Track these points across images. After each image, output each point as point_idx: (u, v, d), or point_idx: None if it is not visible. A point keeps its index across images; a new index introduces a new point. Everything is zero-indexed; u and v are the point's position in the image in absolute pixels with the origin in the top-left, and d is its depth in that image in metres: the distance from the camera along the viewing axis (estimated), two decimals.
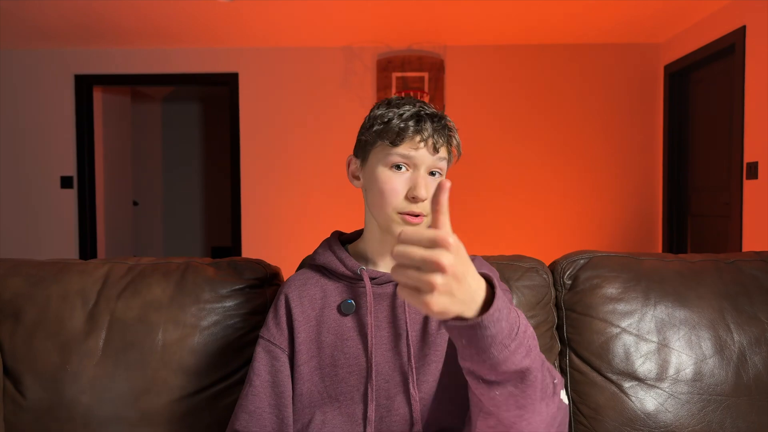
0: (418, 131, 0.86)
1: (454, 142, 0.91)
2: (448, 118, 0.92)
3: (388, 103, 0.91)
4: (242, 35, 3.86)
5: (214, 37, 3.90)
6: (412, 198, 0.85)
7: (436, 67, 4.01)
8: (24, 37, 3.85)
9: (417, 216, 0.86)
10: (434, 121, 0.87)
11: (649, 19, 3.52)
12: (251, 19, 3.51)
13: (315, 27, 3.67)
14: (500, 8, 3.31)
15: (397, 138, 0.86)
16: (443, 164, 0.89)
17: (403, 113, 0.87)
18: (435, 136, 0.86)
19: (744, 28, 3.03)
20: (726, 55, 3.30)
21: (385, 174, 0.87)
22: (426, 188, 0.86)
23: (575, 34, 3.83)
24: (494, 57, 4.08)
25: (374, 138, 0.90)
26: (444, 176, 0.90)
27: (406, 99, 0.92)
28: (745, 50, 3.02)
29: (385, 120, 0.88)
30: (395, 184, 0.86)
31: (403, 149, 0.86)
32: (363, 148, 0.93)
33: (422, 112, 0.88)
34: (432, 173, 0.88)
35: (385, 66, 4.00)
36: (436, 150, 0.87)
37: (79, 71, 4.16)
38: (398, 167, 0.87)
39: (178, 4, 3.22)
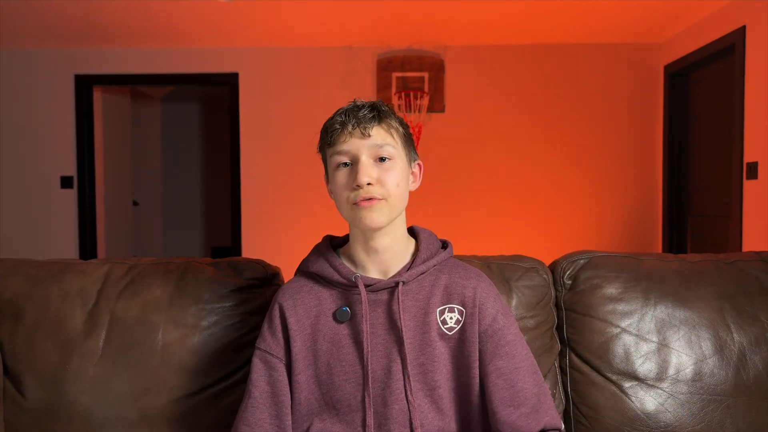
0: (342, 124, 0.88)
1: (392, 123, 0.91)
2: (382, 104, 0.92)
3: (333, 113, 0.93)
4: (242, 35, 3.86)
5: (214, 37, 3.90)
6: (355, 186, 0.86)
7: (436, 67, 4.00)
8: (24, 37, 3.85)
9: (368, 200, 0.86)
10: (360, 110, 0.89)
11: (649, 19, 3.52)
12: (251, 19, 3.51)
13: (315, 27, 3.67)
14: (500, 8, 3.31)
15: (329, 137, 0.90)
16: (388, 149, 0.89)
17: (335, 115, 0.91)
18: (361, 123, 0.88)
19: (744, 28, 3.03)
20: (726, 55, 3.30)
21: (335, 175, 0.90)
22: (367, 174, 0.86)
23: (575, 34, 3.83)
24: (494, 57, 4.08)
25: (322, 148, 0.94)
26: (395, 160, 0.89)
27: (350, 102, 0.93)
28: (745, 50, 3.02)
29: (323, 128, 0.93)
30: (341, 179, 0.89)
31: (338, 146, 0.89)
32: (324, 164, 0.96)
33: (350, 107, 0.90)
34: (381, 159, 0.88)
35: (385, 66, 4.00)
36: (366, 135, 0.87)
37: (79, 71, 4.16)
38: (345, 165, 0.89)
39: (178, 3, 3.22)
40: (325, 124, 0.92)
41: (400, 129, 0.93)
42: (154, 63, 4.15)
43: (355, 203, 0.87)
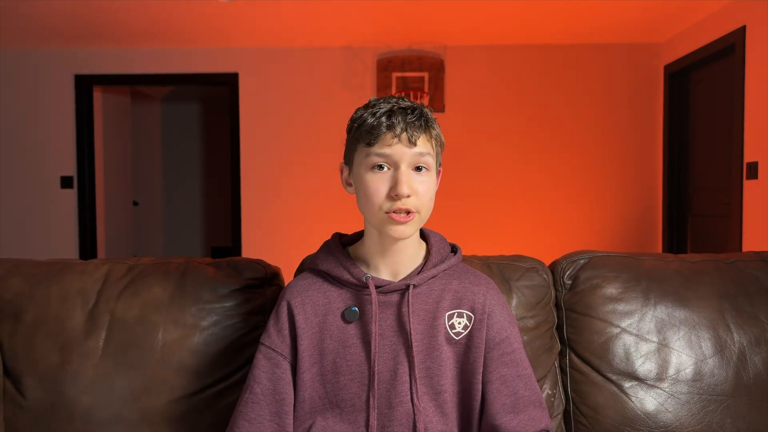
0: (390, 127, 0.84)
1: (434, 133, 0.89)
2: (427, 109, 0.89)
3: (367, 105, 0.89)
4: (242, 35, 3.86)
5: (214, 37, 3.90)
6: (394, 195, 0.84)
7: (436, 67, 4.01)
8: (24, 37, 3.85)
9: (406, 214, 0.85)
10: (408, 114, 0.85)
11: (649, 19, 3.52)
12: (251, 19, 3.51)
13: (315, 27, 3.67)
14: (500, 8, 3.31)
15: (371, 137, 0.85)
16: (427, 159, 0.87)
17: (377, 111, 0.86)
18: (409, 130, 0.84)
19: (744, 28, 3.03)
20: (726, 55, 3.30)
21: (367, 176, 0.86)
22: (408, 184, 0.84)
23: (575, 34, 3.83)
24: (494, 57, 4.08)
25: (354, 142, 0.89)
26: (431, 171, 0.88)
27: (386, 98, 0.89)
28: (745, 50, 3.02)
29: (361, 122, 0.87)
30: (377, 184, 0.85)
31: (379, 148, 0.85)
32: (348, 154, 0.92)
33: (395, 108, 0.86)
34: (418, 168, 0.86)
35: (385, 66, 4.00)
36: (412, 143, 0.85)
37: (79, 71, 4.16)
38: (380, 167, 0.86)
39: (178, 4, 3.22)
40: (364, 119, 0.87)
41: (441, 138, 0.91)
42: (154, 63, 4.15)
43: (388, 213, 0.85)
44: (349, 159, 0.92)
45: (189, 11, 3.35)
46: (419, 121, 0.86)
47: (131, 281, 1.12)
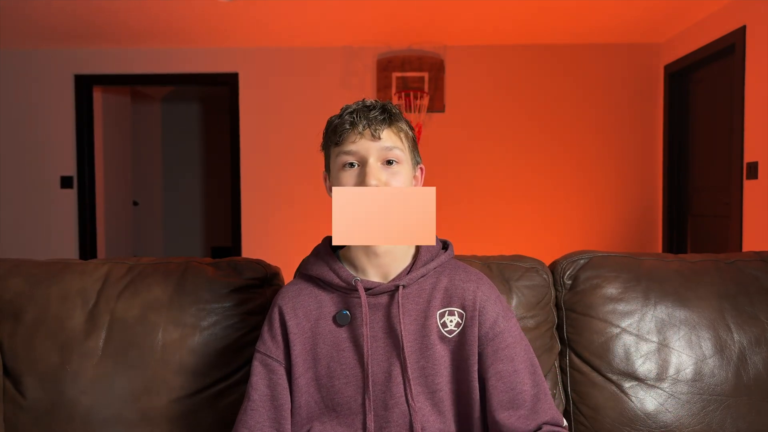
0: (352, 124, 0.87)
1: (400, 126, 0.91)
2: (391, 106, 0.92)
3: (340, 111, 0.92)
4: (242, 35, 3.86)
5: (214, 37, 3.90)
6: None
7: (436, 67, 4.00)
8: (24, 37, 3.85)
9: None
10: (370, 111, 0.88)
11: (649, 19, 3.52)
12: (251, 19, 3.51)
13: (315, 27, 3.67)
14: (500, 8, 3.31)
15: (337, 137, 0.88)
16: (396, 152, 0.88)
17: (342, 113, 0.90)
18: (372, 125, 0.87)
19: (744, 28, 3.03)
20: (726, 55, 3.30)
21: (340, 175, 0.89)
22: (376, 177, 0.85)
23: (575, 34, 3.83)
24: (494, 57, 4.08)
25: (327, 147, 0.93)
26: (403, 164, 0.89)
27: (356, 102, 0.92)
28: (745, 50, 3.02)
29: (329, 125, 0.92)
30: (347, 180, 0.88)
31: (346, 146, 0.88)
32: (326, 161, 0.95)
33: (359, 107, 0.89)
34: (389, 162, 0.88)
35: (385, 66, 4.00)
36: (376, 137, 0.87)
37: (79, 71, 4.16)
38: (351, 165, 0.88)
39: (178, 4, 3.22)
40: (332, 122, 0.91)
41: (409, 132, 0.93)
42: (154, 63, 4.15)
43: None
44: (327, 165, 0.95)
45: (189, 11, 3.35)
46: (382, 115, 0.88)
47: (131, 281, 1.13)
